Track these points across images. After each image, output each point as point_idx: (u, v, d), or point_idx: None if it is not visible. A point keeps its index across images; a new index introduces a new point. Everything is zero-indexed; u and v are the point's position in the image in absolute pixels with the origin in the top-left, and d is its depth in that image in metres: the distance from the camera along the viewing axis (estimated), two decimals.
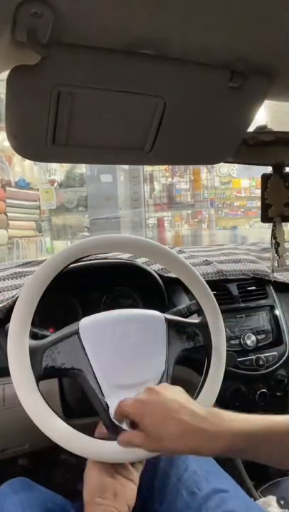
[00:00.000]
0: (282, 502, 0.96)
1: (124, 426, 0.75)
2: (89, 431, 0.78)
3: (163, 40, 0.49)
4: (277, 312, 1.30)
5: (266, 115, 0.80)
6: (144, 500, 0.85)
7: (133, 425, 0.72)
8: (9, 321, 0.79)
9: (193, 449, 0.63)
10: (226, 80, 0.55)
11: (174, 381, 0.83)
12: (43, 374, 0.78)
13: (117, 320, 0.85)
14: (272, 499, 0.95)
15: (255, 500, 1.00)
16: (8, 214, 6.14)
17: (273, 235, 0.90)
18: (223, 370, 0.88)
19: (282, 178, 0.86)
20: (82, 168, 6.87)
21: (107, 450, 0.75)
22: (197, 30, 0.48)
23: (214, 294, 0.91)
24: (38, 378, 0.77)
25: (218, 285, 1.24)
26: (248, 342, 1.21)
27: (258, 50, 0.52)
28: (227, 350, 0.91)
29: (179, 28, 0.47)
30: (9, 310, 0.93)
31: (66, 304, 1.12)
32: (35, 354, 0.78)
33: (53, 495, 0.85)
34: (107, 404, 0.78)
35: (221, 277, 1.26)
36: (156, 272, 1.17)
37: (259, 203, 0.89)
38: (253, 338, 1.23)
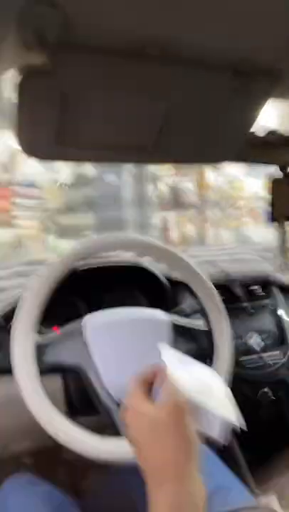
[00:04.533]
0: (283, 501, 0.96)
1: None
2: (92, 429, 0.78)
3: (167, 41, 0.50)
4: (281, 312, 1.30)
5: (272, 115, 0.80)
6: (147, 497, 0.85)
7: None
8: (13, 320, 0.80)
9: None
10: (230, 80, 0.55)
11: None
12: (45, 370, 0.79)
13: (121, 319, 0.86)
14: (273, 498, 0.95)
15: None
16: (14, 213, 6.14)
17: (278, 236, 0.90)
18: (228, 377, 0.87)
19: (287, 179, 0.86)
20: (87, 168, 6.86)
21: (109, 449, 0.76)
22: (201, 31, 0.48)
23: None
24: (41, 373, 0.78)
25: (222, 285, 1.24)
26: (251, 342, 1.21)
27: (261, 50, 0.52)
28: None
29: (183, 29, 0.48)
30: (13, 309, 0.93)
31: (70, 303, 1.12)
32: (38, 350, 0.79)
33: (57, 491, 0.86)
34: (108, 402, 0.79)
35: (225, 277, 1.26)
36: (160, 271, 1.17)
37: (264, 204, 0.89)
38: (257, 338, 1.23)
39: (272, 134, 0.76)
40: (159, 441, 0.47)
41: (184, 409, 0.48)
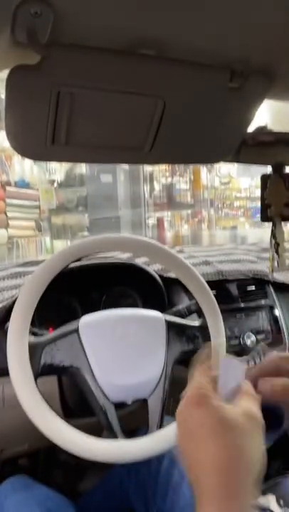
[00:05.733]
0: (281, 502, 0.96)
1: None
2: (88, 431, 0.78)
3: (163, 41, 0.49)
4: (277, 312, 1.30)
5: (267, 115, 0.80)
6: (147, 497, 0.86)
7: None
8: (9, 321, 0.80)
9: None
10: (226, 80, 0.55)
11: (173, 382, 0.83)
12: (41, 371, 0.78)
13: (117, 319, 0.85)
14: (271, 499, 0.95)
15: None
16: (8, 214, 6.13)
17: (273, 235, 0.90)
18: None
19: (281, 178, 0.86)
20: (82, 168, 6.86)
21: (105, 450, 0.76)
22: (197, 31, 0.48)
23: (214, 294, 0.91)
24: (37, 375, 0.77)
25: (218, 285, 1.24)
26: (248, 342, 1.21)
27: (258, 50, 0.52)
28: (226, 351, 0.91)
29: (179, 29, 0.47)
30: (9, 310, 0.93)
31: (66, 304, 1.12)
32: (34, 350, 0.78)
33: (53, 494, 0.86)
34: (104, 403, 0.79)
35: (221, 277, 1.26)
36: (155, 271, 1.17)
37: (259, 203, 0.89)
38: (253, 338, 1.23)
39: (263, 132, 0.76)
40: (225, 444, 0.40)
41: (261, 419, 0.42)
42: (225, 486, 0.39)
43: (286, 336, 1.27)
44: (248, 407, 0.42)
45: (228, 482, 0.39)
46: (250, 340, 1.21)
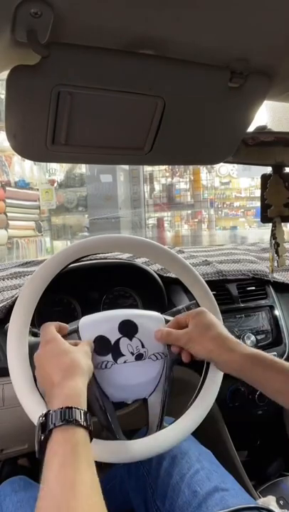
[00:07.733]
0: (281, 502, 0.96)
1: None
2: None
3: (163, 41, 0.49)
4: (277, 312, 1.30)
5: (267, 115, 0.80)
6: (147, 497, 0.85)
7: None
8: (9, 321, 0.80)
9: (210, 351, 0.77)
10: (226, 80, 0.55)
11: (173, 382, 0.83)
12: None
13: (117, 320, 0.85)
14: (271, 499, 0.95)
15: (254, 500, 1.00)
16: (8, 214, 6.13)
17: (273, 235, 0.90)
18: (222, 372, 0.88)
19: (281, 179, 0.86)
20: (82, 168, 6.86)
21: (105, 450, 0.75)
22: (197, 31, 0.48)
23: (214, 294, 0.91)
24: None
25: (218, 285, 1.24)
26: (248, 342, 1.21)
27: (258, 50, 0.52)
28: None
29: (179, 29, 0.47)
30: (9, 310, 0.93)
31: (66, 304, 1.12)
32: (34, 350, 0.78)
33: None
34: (104, 403, 0.79)
35: (221, 277, 1.26)
36: (155, 272, 1.17)
37: (259, 204, 0.89)
38: (253, 338, 1.23)
39: (264, 132, 0.76)
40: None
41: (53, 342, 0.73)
42: (50, 382, 0.66)
43: (286, 336, 1.27)
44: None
45: (51, 378, 0.66)
46: (250, 340, 1.22)
